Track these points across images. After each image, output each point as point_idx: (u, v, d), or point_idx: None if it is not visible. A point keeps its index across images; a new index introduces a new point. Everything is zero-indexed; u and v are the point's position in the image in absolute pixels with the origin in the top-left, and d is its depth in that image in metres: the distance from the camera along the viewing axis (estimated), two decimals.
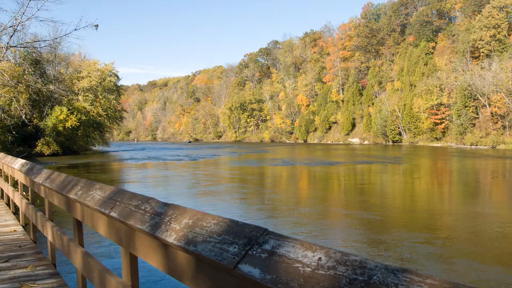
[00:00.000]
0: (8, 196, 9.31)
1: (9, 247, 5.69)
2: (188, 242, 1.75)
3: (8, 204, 9.53)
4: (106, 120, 69.10)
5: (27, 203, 6.15)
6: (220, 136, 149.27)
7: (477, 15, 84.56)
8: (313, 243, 1.36)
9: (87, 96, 64.93)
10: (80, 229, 3.74)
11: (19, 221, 7.55)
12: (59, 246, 4.17)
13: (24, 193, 7.96)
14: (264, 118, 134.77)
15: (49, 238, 4.67)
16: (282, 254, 1.37)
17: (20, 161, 6.79)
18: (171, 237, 1.87)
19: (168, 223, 1.98)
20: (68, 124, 52.82)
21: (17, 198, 7.01)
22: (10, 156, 8.23)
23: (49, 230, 4.59)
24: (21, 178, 6.58)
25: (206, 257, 1.62)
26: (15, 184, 9.33)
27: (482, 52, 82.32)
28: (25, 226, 7.31)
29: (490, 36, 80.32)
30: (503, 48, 79.69)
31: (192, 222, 1.86)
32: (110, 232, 2.74)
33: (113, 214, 2.51)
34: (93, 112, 63.35)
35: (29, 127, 45.20)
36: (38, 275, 4.55)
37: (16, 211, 8.72)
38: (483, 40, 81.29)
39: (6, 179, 9.55)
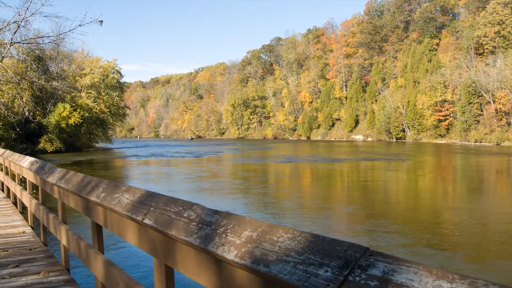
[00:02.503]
0: (15, 195, 9.00)
1: (19, 250, 5.36)
2: (256, 261, 1.42)
3: (15, 203, 9.23)
4: (109, 117, 68.81)
5: (37, 203, 5.82)
6: (223, 133, 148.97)
7: (481, 12, 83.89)
8: (446, 269, 1.02)
9: (90, 93, 64.58)
10: (100, 234, 3.41)
11: (27, 221, 7.23)
12: (75, 252, 3.85)
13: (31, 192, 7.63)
14: (267, 115, 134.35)
15: (63, 242, 4.35)
16: (402, 284, 1.03)
17: (28, 159, 6.47)
18: (230, 253, 1.54)
19: (223, 235, 1.65)
20: (71, 121, 52.57)
21: (26, 198, 6.69)
22: (18, 154, 7.90)
23: (64, 233, 4.27)
24: (30, 177, 6.25)
25: (284, 281, 1.28)
26: (21, 182, 9.02)
27: (487, 49, 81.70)
28: (33, 226, 7.01)
29: (494, 33, 79.64)
30: (507, 45, 79.04)
31: (256, 235, 1.53)
32: (141, 241, 2.40)
33: (147, 221, 2.18)
34: (96, 109, 62.98)
35: (32, 124, 44.89)
36: (51, 282, 4.22)
37: (23, 211, 8.41)
38: (487, 37, 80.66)
39: (13, 177, 9.24)
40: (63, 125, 52.17)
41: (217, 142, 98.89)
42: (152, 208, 2.23)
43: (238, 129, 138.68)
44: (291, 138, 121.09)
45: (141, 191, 2.53)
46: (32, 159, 6.27)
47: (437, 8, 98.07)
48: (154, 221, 2.12)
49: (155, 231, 2.16)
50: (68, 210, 4.78)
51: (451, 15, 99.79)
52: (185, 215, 1.95)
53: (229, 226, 1.67)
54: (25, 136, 47.87)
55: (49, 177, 4.61)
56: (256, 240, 1.51)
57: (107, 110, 66.86)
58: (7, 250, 5.35)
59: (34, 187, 7.52)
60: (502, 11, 78.44)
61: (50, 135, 51.58)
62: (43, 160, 5.90)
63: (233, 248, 1.56)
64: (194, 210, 1.93)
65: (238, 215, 1.70)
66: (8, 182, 9.20)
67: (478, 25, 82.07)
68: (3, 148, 33.24)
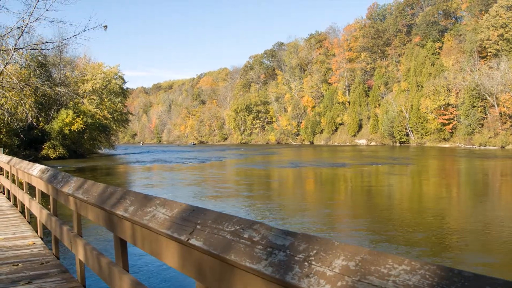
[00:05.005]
0: (23, 204, 8.68)
1: (30, 265, 5.01)
2: None
3: (22, 212, 8.91)
4: (112, 123, 68.56)
5: (48, 214, 5.48)
6: (226, 138, 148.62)
7: (484, 15, 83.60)
8: None
9: (93, 99, 64.36)
10: (125, 251, 3.08)
11: (36, 232, 6.90)
12: (94, 269, 3.51)
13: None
14: (269, 120, 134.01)
15: (80, 257, 4.01)
16: None
17: (38, 167, 6.15)
18: None
19: (306, 263, 1.32)
20: (74, 127, 52.31)
21: (35, 207, 6.36)
22: (26, 161, 7.58)
23: (80, 248, 3.94)
24: (40, 185, 5.92)
25: None
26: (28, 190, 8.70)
27: (490, 52, 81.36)
28: (42, 237, 6.69)
29: (497, 36, 79.35)
30: (511, 48, 78.72)
31: (355, 265, 1.20)
32: (184, 264, 2.07)
33: (195, 242, 1.85)
34: (99, 115, 62.74)
35: (35, 131, 44.67)
36: None
37: (31, 220, 8.09)
38: (490, 40, 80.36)
39: (20, 185, 8.93)
40: (66, 131, 51.92)
41: (220, 148, 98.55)
42: (198, 226, 1.91)
43: (241, 134, 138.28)
44: (294, 143, 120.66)
45: (180, 205, 2.21)
46: (43, 167, 5.95)
47: (440, 11, 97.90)
48: (204, 242, 1.80)
49: (204, 254, 1.83)
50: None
51: (453, 18, 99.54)
52: (246, 236, 1.63)
53: (311, 252, 1.35)
54: (28, 143, 47.60)
55: (64, 187, 4.29)
56: (355, 271, 1.19)
57: (110, 116, 66.63)
58: (18, 265, 5.02)
59: (43, 195, 7.19)
60: (505, 14, 78.19)
61: (53, 141, 51.33)
62: (55, 168, 5.59)
63: (323, 281, 1.24)
64: (256, 230, 1.61)
65: (322, 237, 1.38)
66: (15, 190, 8.88)
67: (481, 28, 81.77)
68: (6, 155, 32.97)
